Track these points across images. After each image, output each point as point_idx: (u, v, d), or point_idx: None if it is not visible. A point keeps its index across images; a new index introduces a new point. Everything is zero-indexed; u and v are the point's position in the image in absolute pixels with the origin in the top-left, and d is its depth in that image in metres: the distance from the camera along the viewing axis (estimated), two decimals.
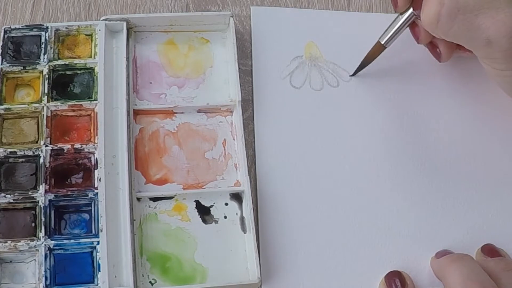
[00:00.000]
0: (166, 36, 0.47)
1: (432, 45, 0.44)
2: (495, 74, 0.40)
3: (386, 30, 0.43)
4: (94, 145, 0.41)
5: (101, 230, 0.39)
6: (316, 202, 0.42)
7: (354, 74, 0.46)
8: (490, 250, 0.40)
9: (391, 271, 0.40)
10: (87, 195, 0.40)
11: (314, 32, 0.48)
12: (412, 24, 0.43)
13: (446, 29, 0.38)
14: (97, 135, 0.42)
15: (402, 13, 0.42)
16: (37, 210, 0.40)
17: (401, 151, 0.44)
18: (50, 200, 0.40)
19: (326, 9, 0.49)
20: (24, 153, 0.41)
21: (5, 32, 0.45)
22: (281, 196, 0.42)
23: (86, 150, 0.42)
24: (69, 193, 0.40)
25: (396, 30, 0.43)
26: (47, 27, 0.45)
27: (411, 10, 0.42)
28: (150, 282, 0.39)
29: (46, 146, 0.41)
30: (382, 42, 0.44)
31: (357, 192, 0.43)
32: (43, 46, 0.44)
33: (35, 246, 0.38)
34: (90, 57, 0.45)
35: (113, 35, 0.46)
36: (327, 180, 0.43)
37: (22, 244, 0.38)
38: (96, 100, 0.43)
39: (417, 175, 0.44)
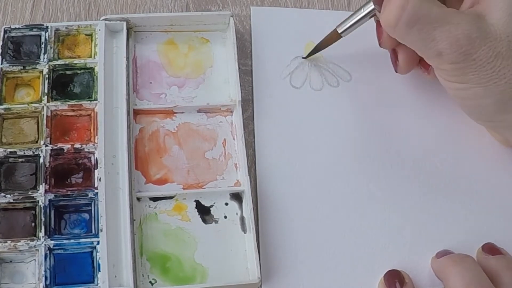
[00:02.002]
0: (166, 36, 0.47)
1: (393, 53, 0.43)
2: (447, 86, 0.40)
3: (346, 20, 0.43)
4: (94, 145, 0.41)
5: (101, 230, 0.39)
6: (316, 202, 0.42)
7: (306, 57, 0.46)
8: (490, 249, 0.40)
9: (390, 271, 0.40)
10: (87, 195, 0.40)
11: (314, 32, 0.48)
12: (378, 23, 0.42)
13: (403, 34, 0.38)
14: (97, 135, 0.42)
15: (364, 6, 0.42)
16: (37, 210, 0.40)
17: (402, 151, 0.44)
18: (50, 200, 0.40)
19: (326, 9, 0.49)
20: (24, 153, 0.41)
21: (5, 32, 0.45)
22: (281, 196, 0.42)
23: (86, 150, 0.42)
24: (69, 193, 0.40)
25: (355, 22, 0.42)
26: (47, 27, 0.45)
27: (371, 4, 0.41)
28: (150, 282, 0.39)
29: (46, 146, 0.41)
30: (340, 32, 0.43)
31: (357, 192, 0.43)
32: (43, 46, 0.44)
33: (35, 246, 0.38)
34: (90, 57, 0.45)
35: (113, 35, 0.46)
36: (327, 180, 0.43)
37: (22, 244, 0.38)
38: (96, 100, 0.43)
39: (417, 175, 0.44)
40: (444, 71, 0.39)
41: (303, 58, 0.46)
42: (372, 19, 0.42)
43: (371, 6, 0.41)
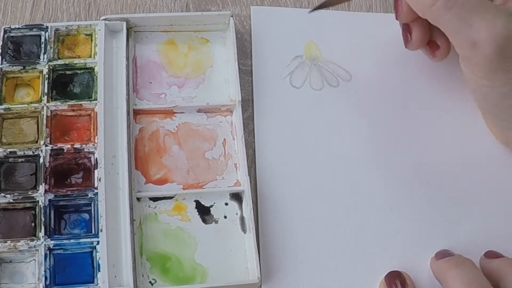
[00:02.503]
0: (166, 36, 0.47)
1: (406, 28, 0.42)
2: (473, 81, 0.39)
3: None
4: (94, 145, 0.41)
5: (101, 230, 0.39)
6: (316, 202, 0.42)
7: (312, 11, 0.44)
8: (493, 254, 0.40)
9: (391, 271, 0.40)
10: (87, 195, 0.40)
11: (314, 32, 0.48)
12: None
13: (438, 15, 0.37)
14: (97, 135, 0.42)
15: None
16: (37, 210, 0.40)
17: (402, 151, 0.44)
18: (50, 200, 0.40)
19: (326, 9, 0.49)
20: (24, 153, 0.41)
21: (5, 32, 0.45)
22: (281, 196, 0.42)
23: (86, 150, 0.42)
24: (69, 193, 0.40)
25: None
26: (47, 27, 0.45)
27: None
28: (150, 282, 0.39)
29: (46, 146, 0.41)
30: None
31: (357, 192, 0.43)
32: (43, 46, 0.44)
33: (34, 246, 0.38)
34: (90, 57, 0.45)
35: (113, 35, 0.46)
36: (327, 180, 0.43)
37: (22, 244, 0.38)
38: (96, 100, 0.43)
39: (418, 175, 0.44)
40: (473, 64, 0.37)
41: (309, 12, 0.44)
42: None
43: None
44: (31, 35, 0.45)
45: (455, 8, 0.36)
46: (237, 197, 0.42)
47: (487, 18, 0.36)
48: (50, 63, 0.44)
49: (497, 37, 0.35)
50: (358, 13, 0.49)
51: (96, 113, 0.42)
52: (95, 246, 0.39)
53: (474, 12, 0.36)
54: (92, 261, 0.39)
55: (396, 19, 0.42)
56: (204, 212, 0.42)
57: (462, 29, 0.36)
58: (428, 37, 0.42)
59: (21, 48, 0.45)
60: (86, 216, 0.40)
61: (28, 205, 0.40)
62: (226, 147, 0.44)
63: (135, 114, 0.44)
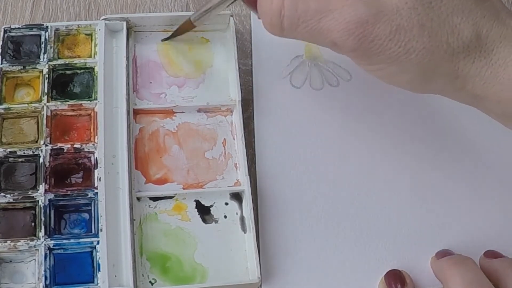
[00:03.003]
0: (166, 36, 0.47)
1: None
2: (363, 68, 0.36)
3: (200, 8, 0.42)
4: (94, 144, 0.41)
5: (101, 230, 0.39)
6: (316, 201, 0.42)
7: (163, 40, 0.46)
8: (493, 254, 0.40)
9: (391, 270, 0.40)
10: (87, 195, 0.40)
11: None
12: None
13: (292, 36, 0.36)
14: (97, 134, 0.42)
15: None
16: (37, 209, 0.40)
17: (403, 151, 0.44)
18: (50, 200, 0.40)
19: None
20: (24, 153, 0.41)
21: (5, 31, 0.45)
22: (281, 196, 0.42)
23: (86, 149, 0.42)
24: (69, 192, 0.40)
25: (207, 9, 0.42)
26: (47, 27, 0.45)
27: None
28: (150, 282, 0.39)
29: (46, 145, 0.41)
30: (192, 19, 0.43)
31: (357, 191, 0.43)
32: (43, 45, 0.44)
33: (34, 246, 0.38)
34: (90, 56, 0.45)
35: (113, 34, 0.46)
36: (327, 180, 0.43)
37: (22, 243, 0.38)
38: (96, 99, 0.43)
39: (418, 175, 0.44)
40: (351, 58, 0.36)
41: (162, 40, 0.46)
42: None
43: None
44: (31, 35, 0.45)
45: (301, 25, 0.35)
46: (237, 197, 0.42)
47: (333, 17, 0.33)
48: (50, 63, 0.44)
49: (348, 29, 0.33)
50: None
51: (96, 113, 0.42)
52: (95, 246, 0.39)
53: (319, 17, 0.34)
54: (92, 261, 0.39)
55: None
56: (204, 212, 0.42)
57: (318, 38, 0.35)
58: None
59: (21, 48, 0.45)
60: (86, 216, 0.40)
61: (28, 205, 0.40)
62: (226, 147, 0.44)
63: (135, 114, 0.44)
